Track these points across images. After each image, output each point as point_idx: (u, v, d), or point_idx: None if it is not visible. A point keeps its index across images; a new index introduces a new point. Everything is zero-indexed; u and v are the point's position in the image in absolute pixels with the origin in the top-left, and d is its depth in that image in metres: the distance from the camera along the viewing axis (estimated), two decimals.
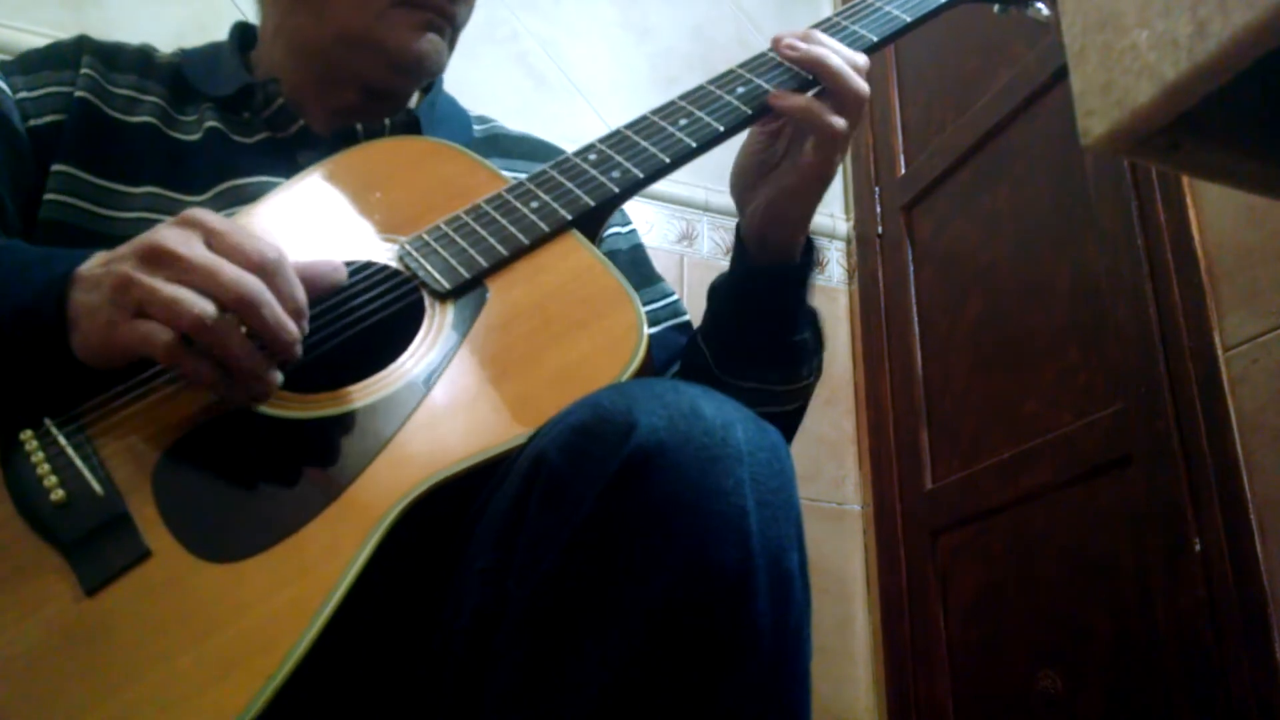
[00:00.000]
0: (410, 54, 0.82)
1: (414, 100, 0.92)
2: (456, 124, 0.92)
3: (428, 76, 0.87)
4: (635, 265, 0.89)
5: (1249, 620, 1.14)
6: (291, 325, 0.56)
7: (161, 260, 0.56)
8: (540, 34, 1.96)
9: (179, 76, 0.85)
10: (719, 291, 0.79)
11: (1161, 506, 1.27)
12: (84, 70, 0.81)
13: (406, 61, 0.82)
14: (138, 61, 0.85)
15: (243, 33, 0.92)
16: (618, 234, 0.90)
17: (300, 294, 0.58)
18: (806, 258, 0.77)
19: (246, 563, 0.51)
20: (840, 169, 0.75)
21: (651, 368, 0.60)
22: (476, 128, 0.94)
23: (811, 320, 0.79)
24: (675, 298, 0.90)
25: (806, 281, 0.77)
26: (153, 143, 0.80)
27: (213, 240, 0.57)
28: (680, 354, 0.84)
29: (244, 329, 0.56)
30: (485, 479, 0.55)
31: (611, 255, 0.87)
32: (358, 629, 0.51)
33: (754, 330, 0.76)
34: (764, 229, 0.76)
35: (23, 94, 0.78)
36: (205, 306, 0.54)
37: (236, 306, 0.55)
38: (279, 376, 0.58)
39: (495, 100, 1.73)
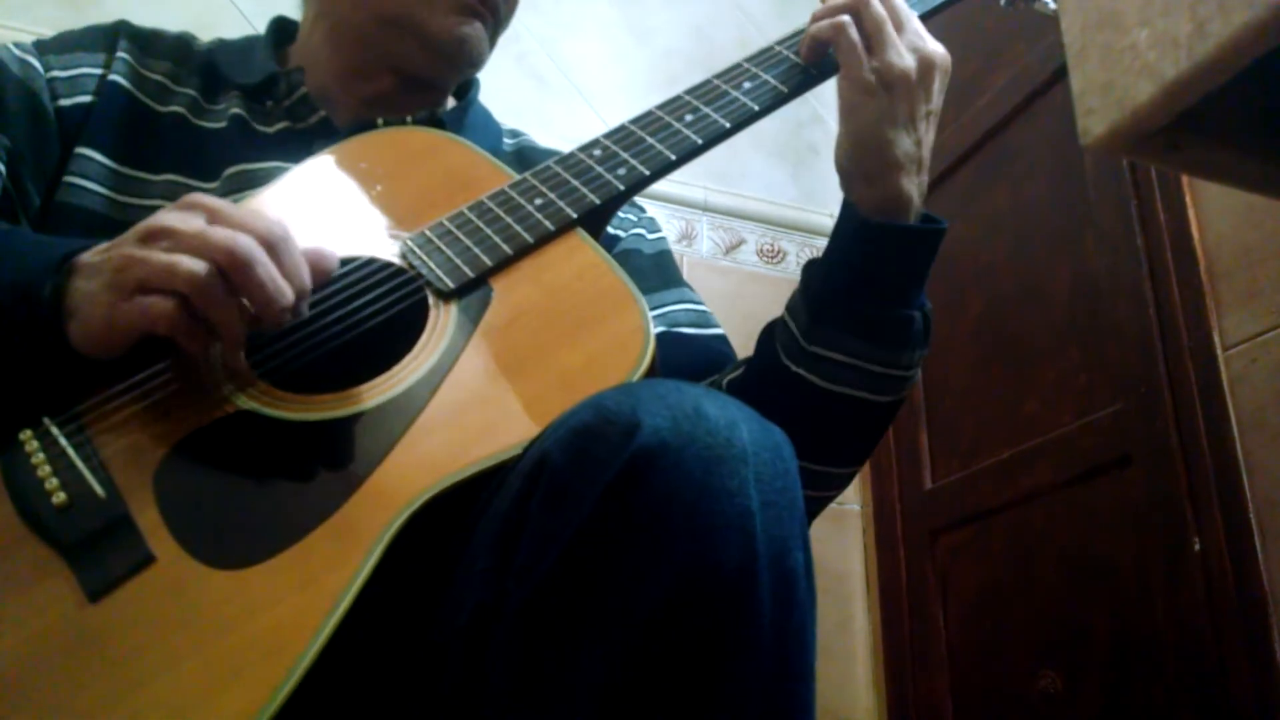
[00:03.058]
0: (451, 38, 0.82)
1: (447, 104, 0.91)
2: (487, 134, 0.91)
3: (467, 65, 0.86)
4: (659, 269, 0.87)
5: (1249, 620, 1.14)
6: (286, 287, 0.56)
7: (160, 238, 0.56)
8: (540, 34, 1.96)
9: (211, 66, 0.85)
10: (822, 259, 0.73)
11: (1161, 506, 1.27)
12: (120, 54, 0.81)
13: (447, 45, 0.82)
14: (175, 50, 0.85)
15: (280, 27, 0.92)
16: (641, 236, 0.88)
17: (304, 272, 0.58)
18: (932, 230, 0.72)
19: (251, 570, 0.51)
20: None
21: (657, 369, 0.60)
22: (506, 141, 0.93)
23: (924, 309, 0.73)
24: (704, 307, 0.87)
25: (928, 253, 0.72)
26: (179, 132, 0.80)
27: (215, 220, 0.57)
28: (716, 362, 0.81)
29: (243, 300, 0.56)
30: (488, 479, 0.54)
31: (633, 255, 0.86)
32: (360, 630, 0.51)
33: (861, 290, 0.70)
34: (846, 172, 0.72)
35: (55, 73, 0.78)
36: (200, 265, 0.54)
37: (228, 262, 0.55)
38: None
39: (495, 100, 1.72)
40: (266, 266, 0.55)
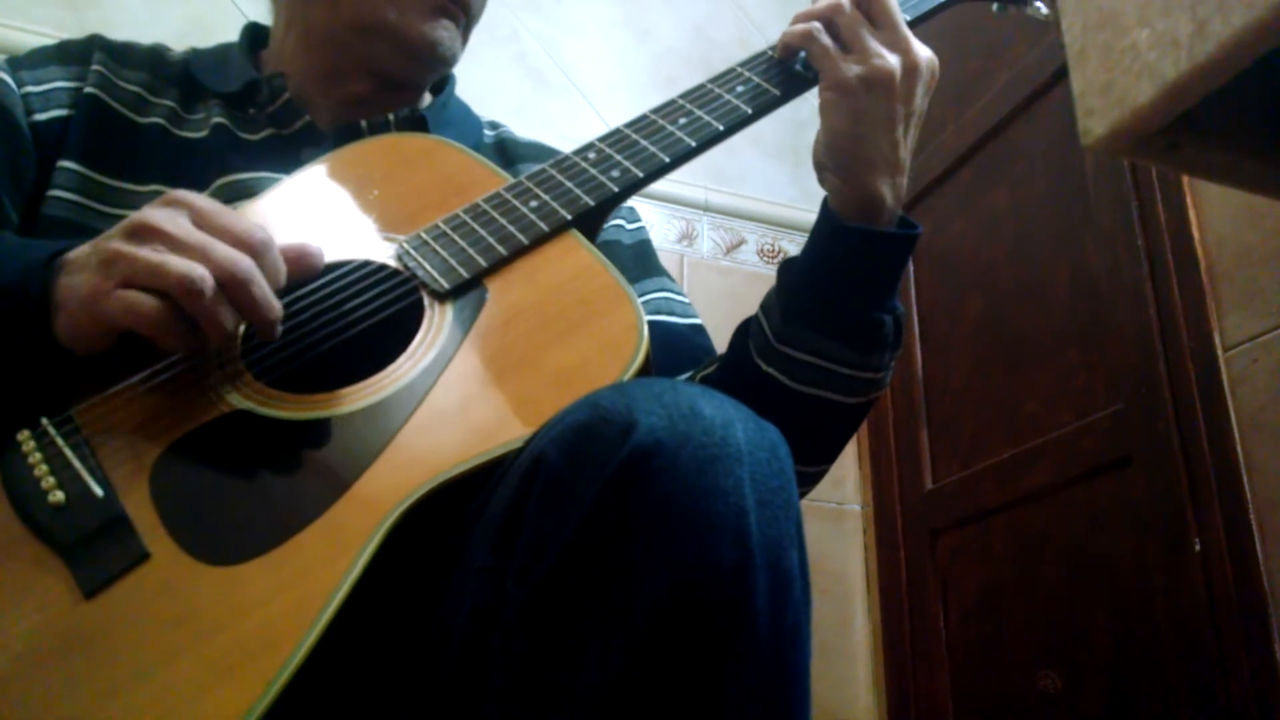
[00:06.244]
0: (424, 40, 0.82)
1: (425, 101, 0.92)
2: (467, 128, 0.92)
3: (441, 64, 0.87)
4: (639, 259, 0.88)
5: (1249, 620, 1.14)
6: (277, 304, 0.58)
7: (148, 235, 0.56)
8: (540, 34, 1.96)
9: (188, 75, 0.85)
10: (798, 258, 0.74)
11: (1161, 506, 1.27)
12: (95, 67, 0.81)
13: (420, 47, 0.83)
14: (149, 61, 0.85)
15: (253, 33, 0.92)
16: (621, 227, 0.89)
17: (282, 275, 0.59)
18: (905, 235, 0.71)
19: (246, 566, 0.51)
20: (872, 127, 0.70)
21: (651, 368, 0.60)
22: (487, 133, 0.94)
23: (895, 312, 0.73)
24: (683, 297, 0.87)
25: (901, 257, 0.72)
26: (160, 142, 0.80)
27: (200, 220, 0.58)
28: (692, 353, 0.81)
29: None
30: (485, 477, 0.54)
31: (612, 245, 0.86)
32: (357, 628, 0.51)
33: (834, 292, 0.70)
34: (821, 166, 0.73)
35: (29, 88, 0.78)
36: (189, 267, 0.55)
37: (228, 282, 0.56)
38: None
39: (495, 100, 1.73)
40: (262, 286, 0.56)
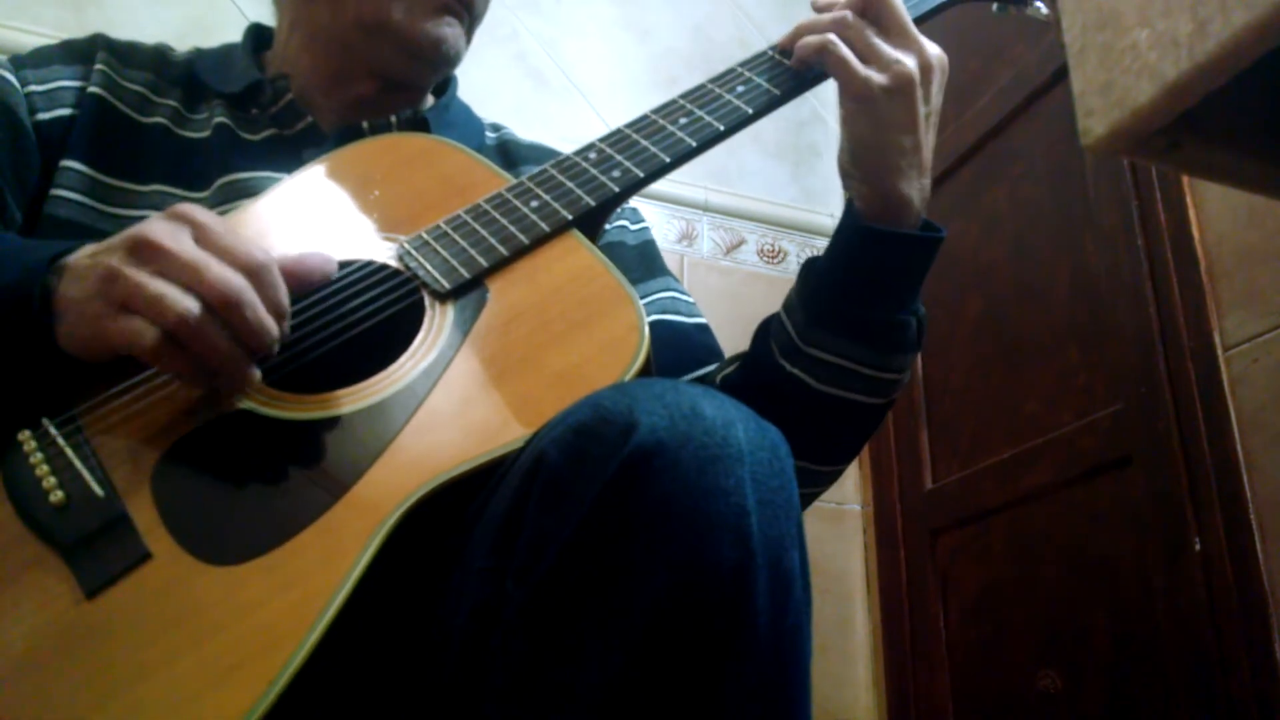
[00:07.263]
0: (428, 39, 0.82)
1: (427, 103, 0.92)
2: (469, 130, 0.92)
3: (445, 64, 0.87)
4: (644, 260, 0.88)
5: (1249, 620, 1.14)
6: (272, 325, 0.57)
7: (148, 254, 0.56)
8: (540, 34, 1.96)
9: (192, 75, 0.85)
10: (822, 259, 0.74)
11: (1161, 506, 1.27)
12: (98, 66, 0.81)
13: (424, 47, 0.83)
14: (153, 60, 0.85)
15: (257, 34, 0.92)
16: (624, 228, 0.89)
17: (284, 297, 0.58)
18: (929, 239, 0.72)
19: (247, 565, 0.51)
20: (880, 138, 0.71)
21: (652, 369, 0.60)
22: (489, 135, 0.94)
23: (919, 314, 0.74)
24: (688, 297, 0.87)
25: (928, 259, 0.73)
26: (163, 142, 0.80)
27: (201, 237, 0.57)
28: (698, 355, 0.81)
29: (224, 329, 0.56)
30: (485, 477, 0.54)
31: (616, 246, 0.86)
32: (357, 628, 0.51)
33: (861, 295, 0.71)
34: (847, 174, 0.73)
35: (32, 87, 0.78)
36: (189, 304, 0.54)
37: (220, 304, 0.55)
38: (257, 373, 0.58)
39: (495, 100, 1.73)
40: (255, 307, 0.56)
